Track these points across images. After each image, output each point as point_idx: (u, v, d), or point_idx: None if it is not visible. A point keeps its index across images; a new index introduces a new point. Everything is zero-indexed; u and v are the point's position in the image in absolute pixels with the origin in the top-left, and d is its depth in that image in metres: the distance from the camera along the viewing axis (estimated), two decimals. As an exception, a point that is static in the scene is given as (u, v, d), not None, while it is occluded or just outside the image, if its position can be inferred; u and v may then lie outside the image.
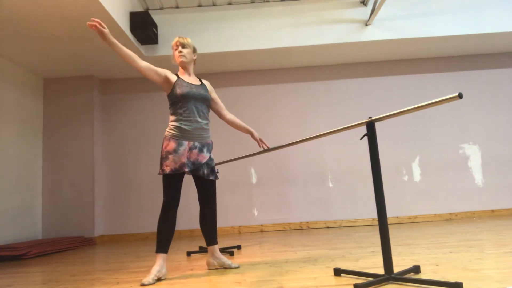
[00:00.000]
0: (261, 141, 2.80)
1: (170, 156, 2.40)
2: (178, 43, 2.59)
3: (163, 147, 2.46)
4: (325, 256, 2.80)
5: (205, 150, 2.53)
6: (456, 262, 2.26)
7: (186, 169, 2.40)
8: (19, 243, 4.27)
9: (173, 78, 2.53)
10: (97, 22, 2.22)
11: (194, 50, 2.66)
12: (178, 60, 2.58)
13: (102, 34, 2.23)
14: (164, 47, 4.80)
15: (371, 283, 1.77)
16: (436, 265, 2.21)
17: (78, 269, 2.96)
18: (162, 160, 2.43)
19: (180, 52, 2.57)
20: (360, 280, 1.95)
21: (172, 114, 2.52)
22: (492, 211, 5.23)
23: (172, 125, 2.49)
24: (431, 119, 5.49)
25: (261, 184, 5.36)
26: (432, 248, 2.86)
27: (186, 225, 5.28)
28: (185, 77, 2.59)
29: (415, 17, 4.86)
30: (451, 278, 1.88)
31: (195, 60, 2.68)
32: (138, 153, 5.47)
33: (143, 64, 2.40)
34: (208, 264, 2.60)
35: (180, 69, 2.63)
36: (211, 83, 5.64)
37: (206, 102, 2.60)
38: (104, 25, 2.24)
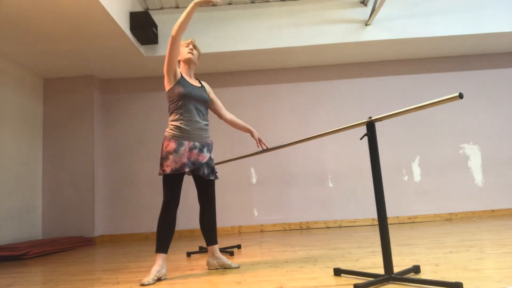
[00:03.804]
0: (260, 141, 2.80)
1: (171, 156, 2.40)
2: (192, 44, 2.66)
3: (163, 147, 2.46)
4: (325, 256, 2.80)
5: (205, 150, 2.53)
6: (456, 262, 2.26)
7: (187, 169, 2.40)
8: (19, 243, 4.27)
9: (179, 74, 2.54)
10: None
11: (199, 57, 2.73)
12: (187, 56, 2.60)
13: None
14: (164, 47, 4.80)
15: (371, 283, 1.77)
16: (436, 265, 2.21)
17: (78, 269, 2.96)
18: (163, 160, 2.43)
19: (192, 49, 2.63)
20: (360, 280, 1.95)
21: (171, 114, 2.52)
22: (492, 211, 5.23)
23: (172, 125, 2.49)
24: (431, 119, 5.49)
25: (261, 184, 5.36)
26: (432, 248, 2.86)
27: (186, 225, 5.28)
28: (186, 78, 2.60)
29: (415, 17, 4.86)
30: (451, 278, 1.88)
31: (196, 65, 2.72)
32: (138, 153, 5.47)
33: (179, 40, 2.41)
34: (208, 264, 2.60)
35: (183, 68, 2.64)
36: (211, 83, 5.64)
37: (206, 104, 2.62)
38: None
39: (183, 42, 2.69)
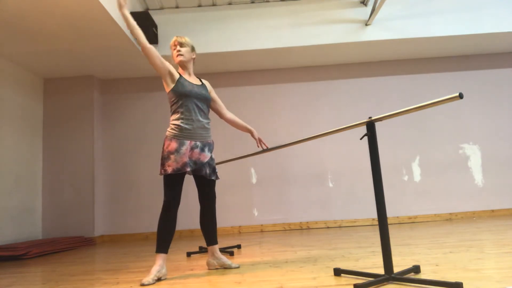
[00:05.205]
0: (260, 140, 2.80)
1: (172, 156, 2.39)
2: (176, 43, 2.58)
3: (165, 147, 2.45)
4: (325, 256, 2.80)
5: (206, 149, 2.52)
6: (456, 262, 2.26)
7: (188, 169, 2.40)
8: (19, 243, 4.27)
9: (176, 75, 2.51)
10: None
11: (193, 49, 2.64)
12: (177, 59, 2.57)
13: (119, 5, 2.31)
14: (164, 47, 4.80)
15: (371, 283, 1.77)
16: (436, 265, 2.21)
17: (78, 269, 2.96)
18: (164, 160, 2.42)
19: (179, 51, 2.56)
20: (360, 280, 1.95)
21: (173, 113, 2.52)
22: (492, 211, 5.23)
23: (173, 124, 2.48)
24: (431, 119, 5.49)
25: (261, 184, 5.36)
26: (432, 248, 2.86)
27: (186, 225, 5.28)
28: (186, 76, 2.59)
29: (415, 17, 4.86)
30: (451, 278, 1.88)
31: (194, 59, 2.66)
32: (138, 153, 5.47)
33: (148, 44, 2.38)
34: (208, 264, 2.60)
35: (180, 68, 2.62)
36: (211, 83, 5.64)
37: (207, 102, 2.60)
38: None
39: (170, 42, 2.62)
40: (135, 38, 2.37)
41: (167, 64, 2.49)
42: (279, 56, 5.15)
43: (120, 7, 2.31)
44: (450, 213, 5.24)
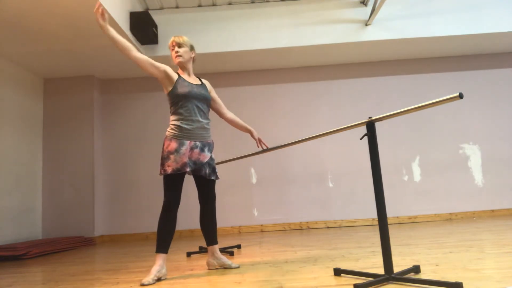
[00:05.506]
0: (260, 141, 2.80)
1: (172, 156, 2.39)
2: (174, 43, 2.56)
3: (164, 147, 2.45)
4: (325, 256, 2.80)
5: (206, 149, 2.52)
6: (456, 262, 2.26)
7: (188, 169, 2.39)
8: (19, 243, 4.27)
9: (174, 76, 2.50)
10: (100, 13, 2.25)
11: (192, 48, 2.62)
12: (176, 60, 2.56)
13: (101, 27, 2.28)
14: (164, 47, 4.81)
15: (371, 283, 1.77)
16: (436, 265, 2.21)
17: (78, 269, 2.96)
18: (164, 160, 2.42)
19: (177, 52, 2.55)
20: (360, 280, 1.95)
21: (173, 114, 2.51)
22: (492, 211, 5.23)
23: (173, 124, 2.48)
24: (431, 119, 5.49)
25: (261, 184, 5.36)
26: (432, 248, 2.86)
27: (186, 225, 5.28)
28: (185, 77, 2.57)
29: (415, 17, 4.86)
30: (451, 278, 1.88)
31: (193, 58, 2.65)
32: (138, 153, 5.47)
33: (139, 55, 2.38)
34: (208, 264, 2.60)
35: (179, 68, 2.62)
36: (211, 83, 5.64)
37: (207, 102, 2.59)
38: (105, 17, 2.27)
39: (169, 43, 2.61)
40: (123, 52, 2.35)
41: (163, 67, 2.48)
42: (279, 56, 5.15)
43: (103, 28, 2.27)
44: (450, 213, 5.24)
